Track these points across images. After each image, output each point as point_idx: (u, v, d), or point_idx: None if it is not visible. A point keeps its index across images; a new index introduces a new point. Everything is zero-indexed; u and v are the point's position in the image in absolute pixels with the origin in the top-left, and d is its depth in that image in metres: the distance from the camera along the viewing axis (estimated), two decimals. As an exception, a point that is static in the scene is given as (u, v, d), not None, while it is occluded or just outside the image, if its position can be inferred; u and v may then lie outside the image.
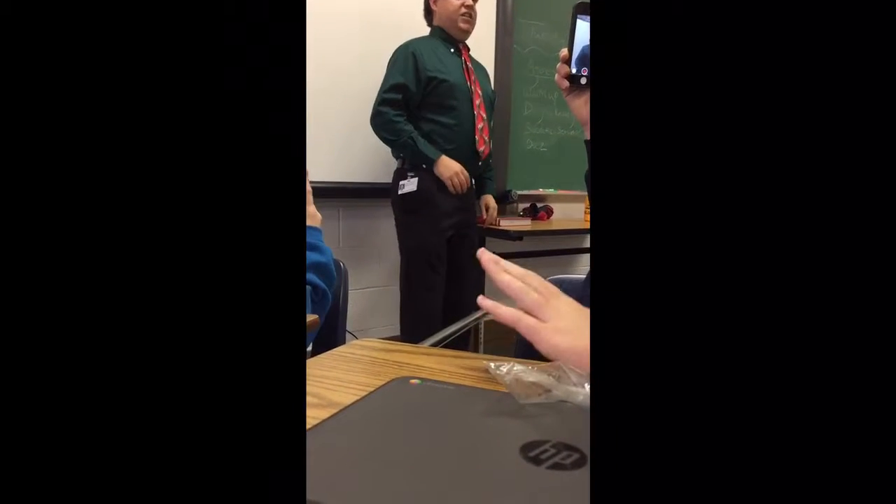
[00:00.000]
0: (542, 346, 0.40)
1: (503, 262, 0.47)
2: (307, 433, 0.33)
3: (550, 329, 0.40)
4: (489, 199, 2.05)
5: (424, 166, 1.75)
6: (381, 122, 1.74)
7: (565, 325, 0.42)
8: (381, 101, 1.74)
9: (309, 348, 0.94)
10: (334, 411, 0.37)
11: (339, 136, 1.96)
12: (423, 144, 1.73)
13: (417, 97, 1.75)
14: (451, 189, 1.76)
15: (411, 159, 1.76)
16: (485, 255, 0.47)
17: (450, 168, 1.74)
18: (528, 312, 0.43)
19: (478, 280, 2.05)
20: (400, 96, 1.73)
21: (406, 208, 1.80)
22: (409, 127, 1.73)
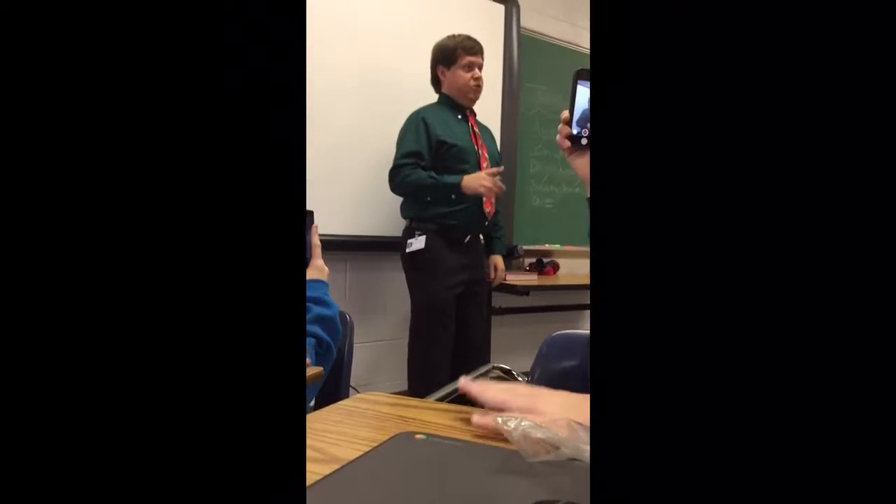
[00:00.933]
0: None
1: (481, 383, 0.48)
2: (309, 489, 0.32)
3: (542, 413, 0.41)
4: (498, 260, 2.05)
5: (454, 196, 1.77)
6: (401, 177, 1.78)
7: (558, 409, 0.42)
8: (397, 166, 1.80)
9: (311, 403, 0.92)
10: (337, 467, 0.36)
11: (348, 191, 2.01)
12: (445, 178, 1.76)
13: (429, 162, 1.81)
14: (489, 195, 1.76)
15: (439, 195, 1.78)
16: (471, 388, 0.48)
17: (476, 179, 1.75)
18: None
19: (485, 335, 2.02)
20: (413, 161, 1.79)
21: (415, 266, 1.82)
22: (426, 172, 1.78)
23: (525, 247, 2.46)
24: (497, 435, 0.42)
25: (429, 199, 1.80)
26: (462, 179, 1.75)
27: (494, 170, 1.78)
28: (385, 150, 1.95)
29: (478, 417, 0.45)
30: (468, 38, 1.87)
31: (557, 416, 0.41)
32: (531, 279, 2.31)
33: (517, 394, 0.46)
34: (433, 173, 1.77)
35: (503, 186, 1.78)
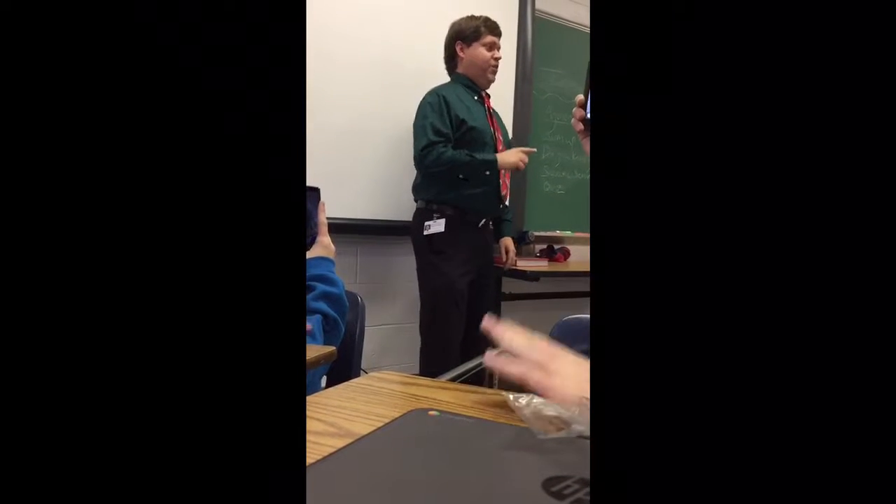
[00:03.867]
0: (556, 402, 0.41)
1: (507, 326, 0.48)
2: (323, 462, 0.33)
3: (558, 386, 0.41)
4: (508, 242, 2.04)
5: (488, 172, 1.78)
6: (435, 155, 1.73)
7: (572, 383, 0.42)
8: (429, 143, 1.74)
9: (323, 382, 0.93)
10: (351, 441, 0.37)
11: (360, 175, 2.01)
12: (479, 155, 1.76)
13: (453, 142, 1.79)
14: (522, 166, 1.81)
15: (475, 172, 1.76)
16: (489, 323, 0.49)
17: (512, 154, 1.79)
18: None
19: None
20: (444, 139, 1.76)
21: (433, 249, 1.80)
22: (460, 151, 1.76)
23: (536, 233, 2.45)
24: (504, 409, 0.42)
25: (461, 176, 1.76)
26: (496, 156, 1.77)
27: (527, 149, 1.83)
28: (397, 135, 1.94)
29: (489, 357, 0.45)
30: (490, 18, 1.86)
31: (568, 380, 0.41)
32: (541, 265, 2.31)
33: (536, 348, 0.46)
34: (467, 151, 1.75)
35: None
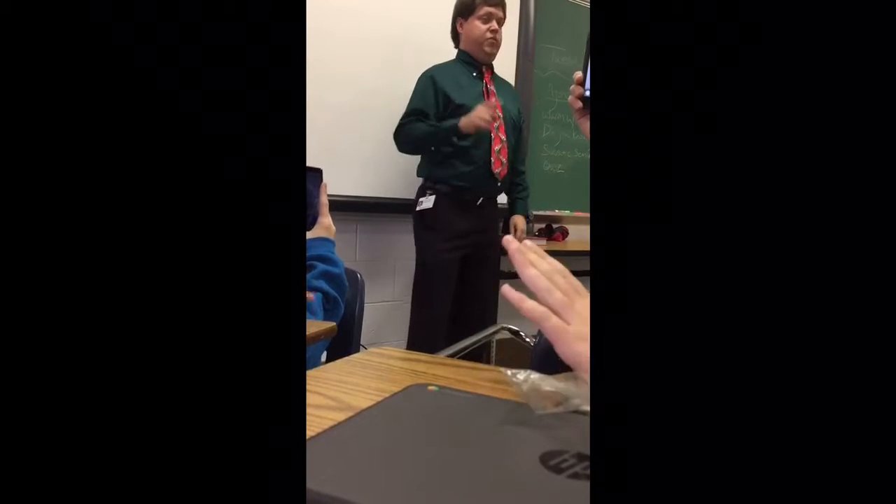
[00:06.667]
0: (562, 351, 0.39)
1: (531, 252, 0.44)
2: (324, 434, 0.34)
3: (573, 334, 0.38)
4: (517, 220, 2.02)
5: (457, 139, 1.72)
6: (403, 133, 1.77)
7: (587, 332, 0.41)
8: (400, 125, 1.79)
9: (324, 357, 0.94)
10: (351, 414, 0.37)
11: (362, 151, 1.99)
12: (443, 123, 1.72)
13: (434, 120, 1.77)
14: (485, 125, 1.66)
15: (442, 143, 1.74)
16: (511, 245, 0.45)
17: (473, 116, 1.65)
18: (552, 311, 0.41)
19: (493, 300, 2.03)
20: (415, 118, 1.76)
21: (423, 225, 1.83)
22: (424, 122, 1.75)
23: (535, 212, 2.44)
24: (502, 385, 0.42)
25: (433, 149, 1.75)
26: (460, 120, 1.69)
27: (489, 102, 1.72)
28: (399, 112, 1.91)
29: (507, 289, 0.43)
30: None
31: (586, 328, 0.39)
32: (540, 244, 2.30)
33: (555, 286, 0.43)
34: (433, 122, 1.73)
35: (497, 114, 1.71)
